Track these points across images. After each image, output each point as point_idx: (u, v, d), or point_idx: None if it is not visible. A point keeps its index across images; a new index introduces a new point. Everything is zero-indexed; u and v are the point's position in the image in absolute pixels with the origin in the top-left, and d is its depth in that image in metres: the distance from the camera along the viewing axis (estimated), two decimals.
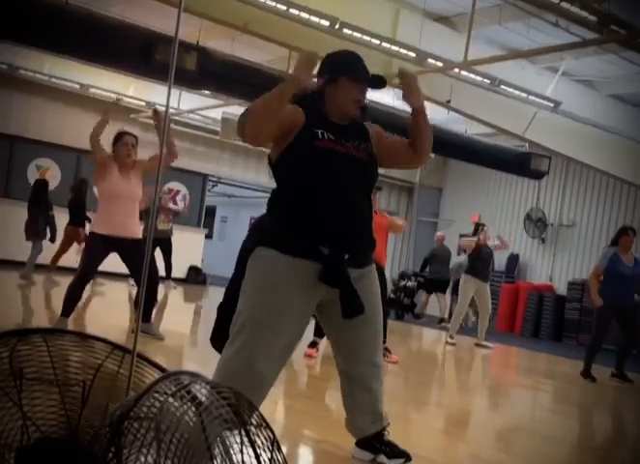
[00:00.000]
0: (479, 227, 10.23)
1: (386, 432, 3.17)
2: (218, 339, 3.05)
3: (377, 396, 3.13)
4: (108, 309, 8.62)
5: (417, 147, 3.10)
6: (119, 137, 6.06)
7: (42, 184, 11.42)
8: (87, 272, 5.89)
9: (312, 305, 2.95)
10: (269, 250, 2.87)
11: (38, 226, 10.89)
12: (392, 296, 13.82)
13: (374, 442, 3.13)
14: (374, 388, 3.11)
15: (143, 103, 13.97)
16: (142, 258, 6.40)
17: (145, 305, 6.14)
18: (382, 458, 3.10)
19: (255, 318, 2.83)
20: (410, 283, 14.05)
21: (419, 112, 3.03)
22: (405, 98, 3.04)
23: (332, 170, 2.87)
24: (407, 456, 3.12)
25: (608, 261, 7.83)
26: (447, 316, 13.02)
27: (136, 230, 6.06)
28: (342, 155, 2.90)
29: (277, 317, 2.83)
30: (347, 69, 3.03)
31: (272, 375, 2.90)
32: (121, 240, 5.85)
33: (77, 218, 11.15)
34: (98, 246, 5.84)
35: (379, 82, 3.08)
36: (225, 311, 3.01)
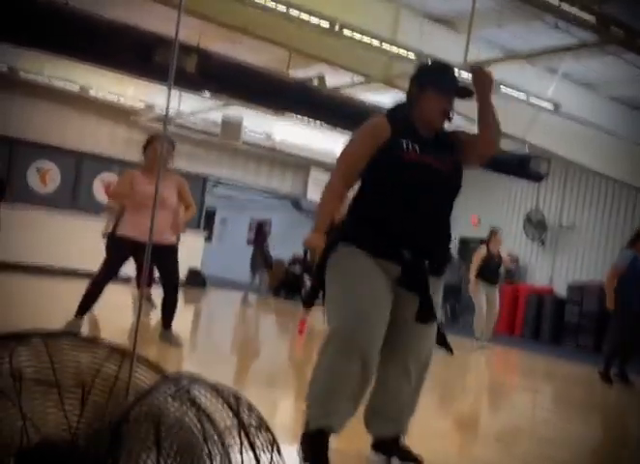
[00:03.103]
0: (492, 233, 10.22)
1: (402, 437, 3.16)
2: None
3: (404, 405, 3.12)
4: (110, 312, 8.61)
5: (481, 139, 3.13)
6: (150, 141, 5.97)
7: (262, 224, 14.38)
8: (108, 273, 5.78)
9: (391, 297, 2.97)
10: (351, 247, 2.95)
11: (256, 261, 13.88)
12: (283, 280, 16.68)
13: (390, 445, 3.12)
14: (404, 395, 3.10)
15: (143, 105, 13.98)
16: (172, 264, 6.32)
17: (167, 312, 6.08)
18: (395, 461, 3.09)
19: (351, 302, 2.89)
20: (298, 269, 16.33)
21: (486, 106, 3.08)
22: (478, 92, 3.09)
23: (416, 183, 2.95)
24: (420, 462, 3.08)
25: (628, 263, 7.77)
26: None
27: (169, 235, 5.88)
28: (427, 167, 2.97)
29: (371, 297, 2.89)
30: (435, 80, 3.09)
31: (374, 353, 2.92)
32: (154, 247, 5.67)
33: None
34: (121, 249, 5.77)
35: (465, 93, 3.11)
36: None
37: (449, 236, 3.11)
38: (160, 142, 5.93)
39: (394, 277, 2.92)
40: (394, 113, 3.12)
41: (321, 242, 3.03)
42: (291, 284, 16.49)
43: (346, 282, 2.94)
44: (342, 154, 3.14)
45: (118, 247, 5.85)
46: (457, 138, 3.18)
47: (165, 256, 5.75)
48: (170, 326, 6.12)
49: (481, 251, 9.94)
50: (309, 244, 3.06)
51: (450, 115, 3.08)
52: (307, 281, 15.70)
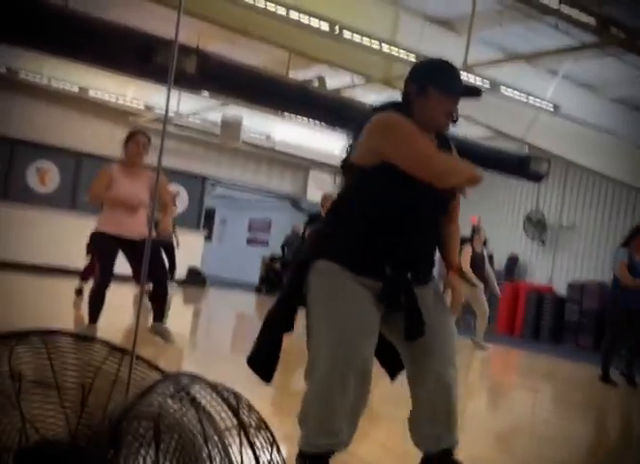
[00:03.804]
0: (474, 231, 10.20)
1: (454, 453, 2.87)
2: (260, 360, 2.83)
3: (444, 413, 2.82)
4: (111, 311, 8.62)
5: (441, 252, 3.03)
6: (131, 136, 5.90)
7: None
8: (103, 276, 5.70)
9: (378, 316, 2.75)
10: (330, 264, 2.70)
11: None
12: (263, 276, 17.65)
13: (437, 460, 2.86)
14: (441, 402, 2.80)
15: (142, 106, 13.99)
16: (154, 259, 6.17)
17: (156, 304, 5.99)
18: None
19: (336, 327, 2.64)
20: (277, 265, 17.20)
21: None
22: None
23: (413, 200, 2.70)
24: None
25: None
26: None
27: (145, 231, 5.84)
28: (423, 186, 2.67)
29: (357, 320, 2.66)
30: (437, 79, 2.80)
31: (367, 374, 2.69)
32: (131, 242, 5.68)
33: None
34: (108, 246, 5.70)
35: (472, 92, 2.87)
36: (273, 328, 2.78)
37: (434, 249, 2.89)
38: (135, 136, 5.87)
39: (376, 292, 2.70)
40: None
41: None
42: (271, 280, 17.25)
43: (331, 309, 2.67)
44: (411, 142, 2.67)
45: (102, 245, 5.77)
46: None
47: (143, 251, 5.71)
48: (161, 319, 6.02)
49: (469, 250, 9.87)
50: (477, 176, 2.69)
51: (455, 117, 2.80)
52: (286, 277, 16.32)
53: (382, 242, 2.71)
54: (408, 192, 2.70)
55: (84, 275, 8.97)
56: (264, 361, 2.81)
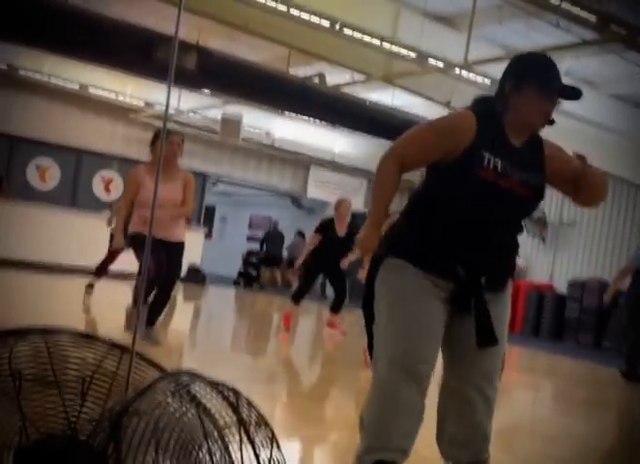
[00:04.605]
0: None
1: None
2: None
3: (479, 426, 2.71)
4: (111, 308, 8.62)
5: (582, 198, 2.84)
6: (158, 136, 5.77)
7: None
8: (156, 268, 5.54)
9: (444, 315, 2.67)
10: (400, 261, 2.63)
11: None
12: (241, 270, 17.92)
13: None
14: (478, 415, 2.71)
15: (142, 103, 13.98)
16: (176, 262, 6.10)
17: (155, 309, 5.83)
18: None
19: (398, 327, 2.60)
20: (254, 259, 17.72)
21: (583, 176, 2.71)
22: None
23: (487, 205, 2.57)
24: None
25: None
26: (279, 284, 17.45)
27: (180, 232, 5.78)
28: (501, 190, 2.56)
29: (420, 319, 2.60)
30: (535, 76, 2.62)
31: (428, 376, 2.64)
32: (164, 243, 5.54)
33: None
34: (143, 245, 5.57)
35: (573, 94, 2.69)
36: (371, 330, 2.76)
37: (515, 248, 2.76)
38: (169, 136, 5.72)
39: (447, 293, 2.63)
40: (483, 111, 2.63)
41: (374, 241, 2.65)
42: (249, 274, 17.79)
43: (396, 305, 2.62)
44: (415, 137, 2.64)
45: (141, 245, 5.57)
46: (550, 154, 2.74)
47: (174, 253, 5.68)
48: (152, 323, 5.83)
49: None
50: (360, 246, 2.66)
51: (552, 118, 2.62)
52: (266, 272, 17.59)
53: (455, 241, 2.60)
54: (472, 198, 2.57)
55: (98, 272, 8.68)
56: None
